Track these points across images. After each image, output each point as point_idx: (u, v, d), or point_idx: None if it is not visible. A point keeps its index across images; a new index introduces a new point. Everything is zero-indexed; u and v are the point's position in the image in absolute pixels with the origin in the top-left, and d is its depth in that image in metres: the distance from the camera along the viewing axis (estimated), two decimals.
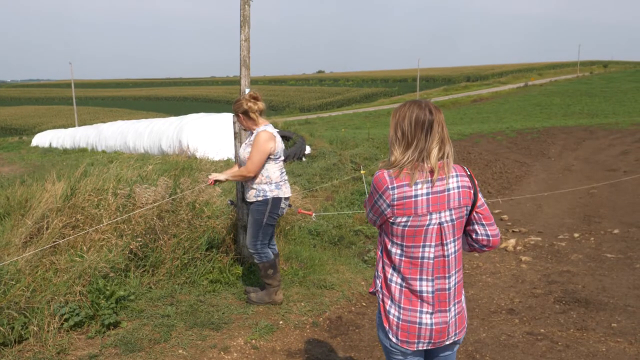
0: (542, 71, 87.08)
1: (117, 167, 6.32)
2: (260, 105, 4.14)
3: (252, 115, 4.13)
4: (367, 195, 2.09)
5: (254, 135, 4.10)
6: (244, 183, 4.28)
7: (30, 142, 29.99)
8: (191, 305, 4.18)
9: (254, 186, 4.12)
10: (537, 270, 5.63)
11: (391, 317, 2.02)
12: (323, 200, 8.32)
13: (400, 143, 1.93)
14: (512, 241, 6.55)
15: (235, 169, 4.33)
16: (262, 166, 4.06)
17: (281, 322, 4.07)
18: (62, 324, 3.66)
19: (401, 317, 2.00)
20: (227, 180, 4.28)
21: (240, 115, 4.15)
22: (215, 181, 4.27)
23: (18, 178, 10.01)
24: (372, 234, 6.81)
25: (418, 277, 1.98)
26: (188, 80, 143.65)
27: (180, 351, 3.52)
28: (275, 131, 4.21)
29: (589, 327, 4.13)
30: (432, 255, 1.96)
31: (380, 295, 2.07)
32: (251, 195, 4.13)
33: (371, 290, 2.14)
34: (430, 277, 1.97)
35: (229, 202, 5.15)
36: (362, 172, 9.07)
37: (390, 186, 1.91)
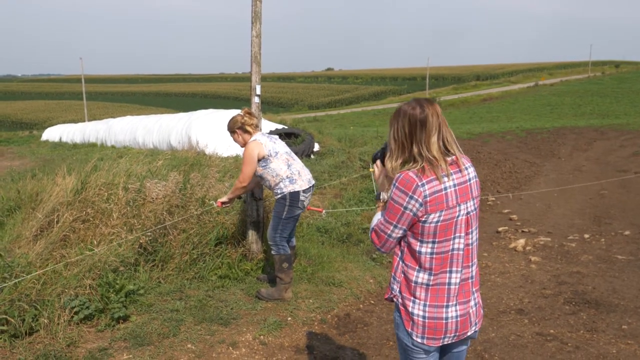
0: (553, 71, 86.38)
1: (127, 162, 6.35)
2: (255, 120, 4.40)
3: (248, 129, 4.34)
4: (380, 217, 2.07)
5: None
6: (265, 188, 4.62)
7: (41, 136, 30.19)
8: (200, 300, 4.19)
9: (273, 188, 4.32)
10: (546, 270, 5.59)
11: (416, 317, 2.02)
12: (331, 197, 8.31)
13: (410, 143, 1.98)
14: (522, 241, 6.51)
15: (267, 183, 4.50)
16: (255, 173, 4.28)
17: (289, 319, 4.08)
18: (72, 316, 3.69)
19: (427, 315, 2.01)
20: (231, 199, 4.51)
21: (237, 131, 4.34)
22: (223, 203, 4.51)
23: (29, 172, 10.09)
24: None
25: (448, 269, 2.00)
26: (197, 76, 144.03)
27: (189, 346, 3.53)
28: (264, 136, 4.36)
29: (599, 329, 4.09)
30: (462, 246, 2.01)
31: (400, 300, 2.08)
32: (273, 196, 4.40)
33: (387, 296, 2.14)
34: (459, 268, 2.01)
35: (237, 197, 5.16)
36: (370, 169, 9.05)
37: (420, 183, 1.92)
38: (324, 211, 6.82)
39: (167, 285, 4.43)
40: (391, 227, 2.01)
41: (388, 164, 2.02)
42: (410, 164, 1.96)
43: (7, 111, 73.70)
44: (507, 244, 6.52)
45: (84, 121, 35.51)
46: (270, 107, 63.99)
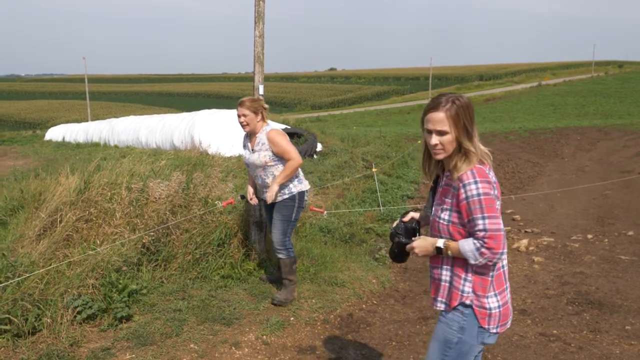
0: (556, 71, 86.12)
1: (130, 161, 6.36)
2: None
3: (265, 115, 4.17)
4: (470, 241, 2.01)
5: (264, 137, 4.07)
6: (263, 184, 4.21)
7: (44, 136, 30.27)
8: (203, 300, 4.20)
9: (274, 186, 4.10)
10: (549, 271, 5.57)
11: (493, 311, 2.08)
12: (334, 197, 8.31)
13: (474, 135, 2.05)
14: (525, 241, 6.49)
15: (272, 179, 4.14)
16: (263, 167, 4.13)
17: (292, 319, 4.07)
18: (75, 316, 3.70)
19: (500, 303, 2.11)
20: (279, 185, 4.11)
21: (260, 113, 4.08)
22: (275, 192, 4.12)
23: (32, 171, 10.12)
24: (383, 232, 6.78)
25: (502, 251, 2.02)
26: (200, 76, 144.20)
27: (191, 345, 3.54)
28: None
29: (602, 330, 4.08)
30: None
31: (475, 300, 2.09)
32: (273, 197, 4.10)
33: (457, 303, 2.10)
34: (506, 250, 2.07)
35: (240, 197, 5.16)
36: (373, 169, 9.04)
37: (487, 170, 2.04)
38: (325, 212, 6.81)
39: (170, 285, 4.44)
40: (498, 220, 1.98)
41: (473, 150, 2.02)
42: (461, 156, 2.02)
43: (10, 111, 73.90)
44: (510, 244, 6.50)
45: (87, 121, 35.59)
46: (273, 107, 64.01)
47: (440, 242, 2.07)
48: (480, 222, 1.96)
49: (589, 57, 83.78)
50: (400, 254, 2.28)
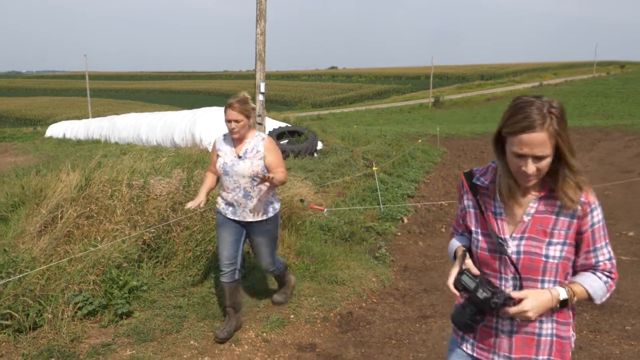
0: (558, 71, 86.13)
1: (130, 158, 6.37)
2: None
3: (252, 118, 3.60)
4: (598, 281, 1.65)
5: (260, 144, 3.54)
6: (246, 198, 3.56)
7: (45, 132, 30.30)
8: (203, 297, 4.20)
9: (260, 201, 3.61)
10: None
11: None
12: (334, 196, 8.31)
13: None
14: None
15: (258, 193, 3.58)
16: (251, 179, 3.55)
17: (292, 316, 4.08)
18: (76, 312, 3.71)
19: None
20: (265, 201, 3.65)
21: (251, 118, 3.53)
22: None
23: (33, 168, 10.12)
24: (383, 231, 6.79)
25: None
26: (201, 74, 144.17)
27: (191, 342, 3.55)
28: None
29: (602, 330, 4.08)
30: None
31: (572, 333, 1.76)
32: (259, 214, 3.61)
33: (569, 357, 1.75)
34: None
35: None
36: (374, 168, 9.05)
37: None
38: (325, 209, 6.82)
39: (170, 282, 4.45)
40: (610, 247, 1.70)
41: (577, 164, 1.58)
42: (569, 173, 1.59)
43: (11, 107, 73.95)
44: None
45: (88, 118, 35.60)
46: (273, 105, 64.02)
47: (563, 293, 1.61)
48: (606, 250, 1.66)
49: (591, 57, 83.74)
50: (480, 320, 1.68)
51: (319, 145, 13.99)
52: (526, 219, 1.65)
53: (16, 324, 3.47)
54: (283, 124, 15.84)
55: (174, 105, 60.71)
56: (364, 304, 4.56)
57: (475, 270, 1.69)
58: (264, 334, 3.76)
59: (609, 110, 31.06)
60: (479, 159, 14.09)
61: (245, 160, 3.51)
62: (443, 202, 8.69)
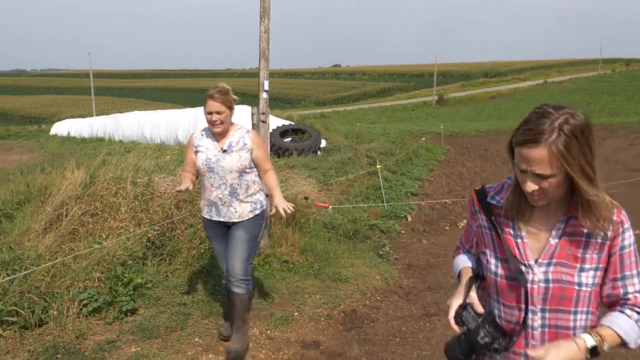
0: (562, 68, 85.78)
1: (134, 156, 6.39)
2: None
3: (234, 110, 3.31)
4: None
5: (246, 136, 3.30)
6: (232, 195, 3.29)
7: (49, 130, 30.41)
8: (207, 295, 4.22)
9: (247, 199, 3.33)
10: None
11: None
12: (338, 194, 8.31)
13: (596, 172, 1.40)
14: None
15: (246, 190, 3.31)
16: (240, 172, 3.29)
17: (296, 314, 4.09)
18: (81, 309, 3.73)
19: None
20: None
21: (233, 109, 3.27)
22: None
23: (38, 166, 10.16)
24: (387, 229, 6.79)
25: None
26: (205, 72, 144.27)
27: (196, 339, 3.56)
28: None
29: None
30: None
31: None
32: (245, 212, 3.31)
33: None
34: None
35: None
36: (377, 166, 9.04)
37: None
38: (330, 207, 6.82)
39: (175, 279, 4.46)
40: None
41: (599, 197, 1.36)
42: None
43: (16, 105, 74.22)
44: None
45: (92, 116, 35.70)
46: (277, 103, 64.04)
47: (590, 340, 1.37)
48: (637, 280, 1.44)
49: (596, 55, 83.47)
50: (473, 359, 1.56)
51: (323, 143, 13.99)
52: (553, 242, 1.43)
53: (22, 321, 3.49)
54: (286, 122, 15.84)
55: (177, 103, 60.79)
56: (367, 302, 4.56)
57: (479, 308, 1.53)
58: (268, 331, 3.77)
59: (614, 108, 30.92)
60: (483, 157, 14.06)
61: (231, 153, 3.25)
62: (447, 200, 8.68)
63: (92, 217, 4.73)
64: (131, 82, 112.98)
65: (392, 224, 7.00)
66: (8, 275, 3.67)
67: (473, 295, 1.56)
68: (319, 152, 13.20)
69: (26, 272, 3.71)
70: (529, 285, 1.43)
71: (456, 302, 1.56)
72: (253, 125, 5.00)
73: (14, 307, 3.49)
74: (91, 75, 48.38)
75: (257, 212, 3.36)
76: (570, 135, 1.31)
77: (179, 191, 3.18)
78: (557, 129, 1.30)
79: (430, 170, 11.74)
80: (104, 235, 4.48)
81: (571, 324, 1.43)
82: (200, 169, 3.29)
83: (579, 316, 1.43)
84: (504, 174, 11.43)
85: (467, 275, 1.62)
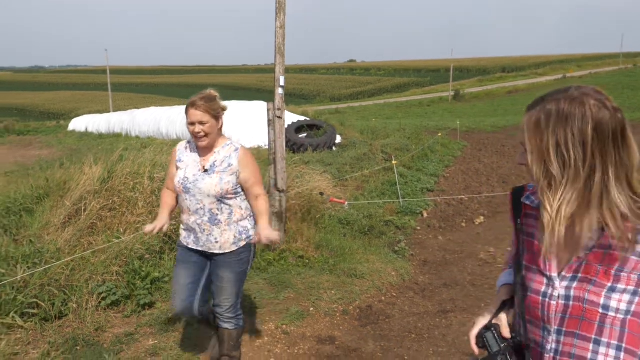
0: (582, 63, 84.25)
1: (151, 152, 6.44)
2: None
3: (222, 120, 2.82)
4: None
5: (233, 156, 2.77)
6: (206, 227, 2.77)
7: (67, 126, 30.83)
8: None
9: (230, 227, 2.79)
10: None
11: None
12: (353, 189, 8.30)
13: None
14: None
15: (228, 217, 2.78)
16: (222, 197, 2.74)
17: (312, 309, 4.09)
18: (100, 302, 3.78)
19: None
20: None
21: (220, 119, 2.79)
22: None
23: (57, 161, 10.31)
24: (402, 225, 6.76)
25: None
26: (220, 68, 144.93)
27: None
28: None
29: None
30: None
31: None
32: (228, 243, 2.79)
33: None
34: None
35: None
36: (393, 162, 9.00)
37: None
38: (346, 203, 6.81)
39: None
40: None
41: (563, 209, 1.15)
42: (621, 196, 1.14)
43: (35, 102, 75.47)
44: None
45: (109, 112, 36.11)
46: (292, 98, 64.09)
47: None
48: None
49: (617, 49, 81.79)
50: None
51: (338, 139, 13.97)
52: (582, 253, 1.20)
53: (42, 313, 3.55)
54: (302, 118, 15.84)
55: None
56: (383, 298, 4.55)
57: (505, 332, 1.35)
58: (284, 326, 3.78)
59: (636, 103, 30.31)
60: (500, 153, 13.91)
61: (212, 175, 2.72)
62: (463, 197, 8.61)
63: (110, 211, 4.79)
64: (147, 78, 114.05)
65: (407, 220, 6.97)
66: (29, 268, 3.74)
67: (502, 317, 1.40)
68: (334, 148, 13.18)
69: (46, 265, 3.78)
70: (546, 299, 1.25)
71: (482, 321, 1.41)
72: (269, 121, 5.01)
73: (35, 300, 3.56)
74: (108, 72, 48.92)
75: (242, 243, 2.81)
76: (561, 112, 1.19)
77: (148, 233, 2.76)
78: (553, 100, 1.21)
79: (446, 166, 11.66)
80: (121, 230, 4.54)
81: (589, 355, 1.18)
82: (176, 188, 2.80)
83: (602, 349, 1.17)
84: (521, 170, 11.30)
85: (503, 294, 1.46)
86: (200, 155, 2.80)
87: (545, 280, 1.27)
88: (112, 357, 3.19)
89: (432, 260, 5.67)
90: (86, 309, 3.66)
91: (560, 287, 1.23)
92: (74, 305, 3.65)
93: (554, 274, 1.25)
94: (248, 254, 2.88)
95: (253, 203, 2.83)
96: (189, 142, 2.91)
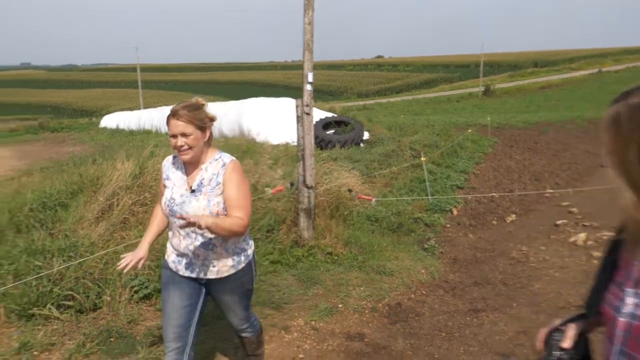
0: (618, 57, 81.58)
1: None
2: None
3: (210, 132, 2.51)
4: None
5: (220, 172, 2.41)
6: (200, 253, 2.46)
7: (99, 123, 31.59)
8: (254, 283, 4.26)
9: (228, 251, 2.49)
10: None
11: None
12: (381, 186, 8.24)
13: None
14: (582, 235, 6.22)
15: (221, 241, 2.45)
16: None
17: (340, 306, 4.08)
18: (132, 295, 3.85)
19: None
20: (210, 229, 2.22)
21: (207, 130, 2.48)
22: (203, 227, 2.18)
23: (90, 157, 10.56)
24: (431, 222, 6.68)
25: None
26: (247, 65, 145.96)
27: None
28: None
29: None
30: None
31: None
32: (226, 266, 2.50)
33: None
34: None
35: (289, 184, 5.20)
36: (422, 159, 8.89)
37: None
38: (374, 199, 6.77)
39: None
40: None
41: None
42: None
43: (68, 99, 77.63)
44: (567, 238, 6.25)
45: (140, 109, 36.79)
46: (319, 95, 64.12)
47: None
48: None
49: None
50: None
51: (365, 135, 13.89)
52: None
53: (77, 305, 3.64)
54: (329, 114, 15.82)
55: (220, 95, 61.80)
56: (412, 296, 4.50)
57: (565, 341, 1.28)
58: (313, 322, 3.77)
59: None
60: (532, 150, 13.60)
61: (199, 196, 2.40)
62: (494, 194, 8.45)
63: (142, 206, 4.87)
64: (177, 75, 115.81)
65: (437, 218, 6.88)
66: (64, 261, 3.83)
67: (571, 325, 1.32)
68: (361, 145, 13.11)
69: (81, 259, 3.87)
70: (616, 314, 1.13)
71: (558, 322, 1.34)
72: (298, 117, 5.00)
73: (70, 292, 3.65)
74: (138, 69, 49.82)
75: (242, 265, 2.54)
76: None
77: (122, 269, 2.48)
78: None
79: (477, 163, 11.46)
80: None
81: None
82: (163, 210, 2.52)
83: None
84: (554, 167, 11.04)
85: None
86: (186, 173, 2.49)
87: (620, 294, 1.15)
88: (145, 349, 3.24)
89: (462, 258, 5.58)
90: (119, 301, 3.73)
91: (629, 303, 1.11)
92: (108, 298, 3.72)
93: (629, 289, 1.13)
94: (250, 275, 2.63)
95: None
96: (175, 156, 2.57)
